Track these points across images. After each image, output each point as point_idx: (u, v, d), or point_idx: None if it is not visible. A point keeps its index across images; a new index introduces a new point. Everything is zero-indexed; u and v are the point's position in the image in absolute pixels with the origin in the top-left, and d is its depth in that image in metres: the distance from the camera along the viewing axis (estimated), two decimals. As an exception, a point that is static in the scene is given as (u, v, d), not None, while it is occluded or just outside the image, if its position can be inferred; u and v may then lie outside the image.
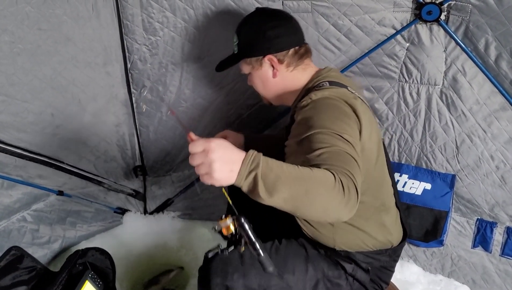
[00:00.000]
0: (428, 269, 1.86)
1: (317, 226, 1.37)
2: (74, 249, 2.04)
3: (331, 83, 1.30)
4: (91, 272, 1.70)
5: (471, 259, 1.77)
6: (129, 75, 1.80)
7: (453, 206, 1.76)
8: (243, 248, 0.99)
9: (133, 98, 1.88)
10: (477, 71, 1.53)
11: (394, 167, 1.81)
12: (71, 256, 1.81)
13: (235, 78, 1.83)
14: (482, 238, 1.73)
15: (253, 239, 0.97)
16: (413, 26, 1.55)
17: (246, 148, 1.38)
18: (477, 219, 1.73)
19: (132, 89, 1.85)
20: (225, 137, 1.53)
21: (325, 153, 0.97)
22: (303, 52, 1.40)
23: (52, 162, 1.83)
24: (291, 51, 1.37)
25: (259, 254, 0.98)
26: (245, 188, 0.88)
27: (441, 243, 1.80)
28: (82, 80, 1.70)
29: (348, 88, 1.29)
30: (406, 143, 1.77)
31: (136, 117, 1.95)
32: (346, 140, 1.03)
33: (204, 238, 2.36)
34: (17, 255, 1.63)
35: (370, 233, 1.34)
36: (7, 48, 1.44)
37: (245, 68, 1.43)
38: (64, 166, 1.88)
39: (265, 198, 0.87)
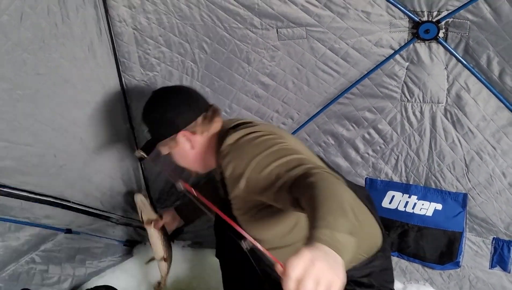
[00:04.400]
0: (446, 292, 1.80)
1: None
2: (84, 287, 2.03)
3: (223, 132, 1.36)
4: (101, 311, 1.69)
5: (489, 280, 1.70)
6: (130, 110, 1.80)
7: (467, 226, 1.70)
8: None
9: (135, 133, 1.88)
10: (481, 87, 1.50)
11: (402, 188, 1.77)
12: (80, 297, 1.80)
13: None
14: (499, 258, 1.67)
15: None
16: (411, 45, 1.53)
17: (181, 215, 1.91)
18: (493, 238, 1.67)
19: (133, 124, 1.85)
20: (162, 218, 1.85)
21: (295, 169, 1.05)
22: (211, 114, 1.42)
23: (58, 201, 1.83)
24: (200, 119, 1.40)
25: None
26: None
27: (457, 264, 1.73)
28: (82, 120, 1.71)
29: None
30: (413, 163, 1.73)
31: (139, 151, 1.94)
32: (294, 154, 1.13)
33: (216, 267, 2.33)
34: (27, 298, 1.63)
35: (361, 240, 1.29)
36: (6, 95, 1.45)
37: (164, 149, 1.46)
38: (70, 204, 1.88)
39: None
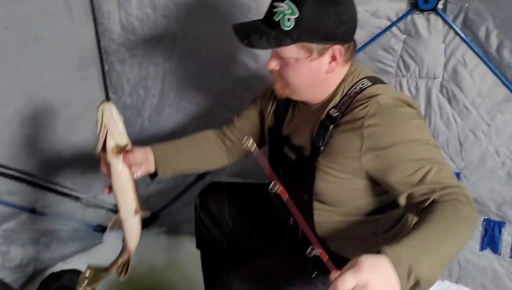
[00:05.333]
0: (435, 276, 1.76)
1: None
2: (49, 272, 1.86)
3: (372, 79, 1.11)
4: (68, 296, 1.54)
5: (479, 263, 1.67)
6: (107, 78, 1.67)
7: (458, 207, 1.66)
8: None
9: (112, 104, 1.74)
10: (478, 61, 1.46)
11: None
12: (45, 280, 1.65)
13: (224, 77, 1.71)
14: (490, 239, 1.64)
15: None
16: (409, 17, 1.47)
17: (156, 159, 1.25)
18: (484, 219, 1.64)
19: (110, 94, 1.72)
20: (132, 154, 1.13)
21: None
22: (353, 45, 1.13)
23: (23, 176, 1.67)
24: (352, 44, 1.11)
25: None
26: None
27: (447, 247, 1.69)
28: (55, 84, 1.56)
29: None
30: (405, 141, 1.68)
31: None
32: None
33: (193, 255, 2.22)
34: (-14, 281, 1.46)
35: None
36: (-32, 48, 1.31)
37: (293, 52, 1.04)
38: (36, 180, 1.72)
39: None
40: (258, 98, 1.38)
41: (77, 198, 1.93)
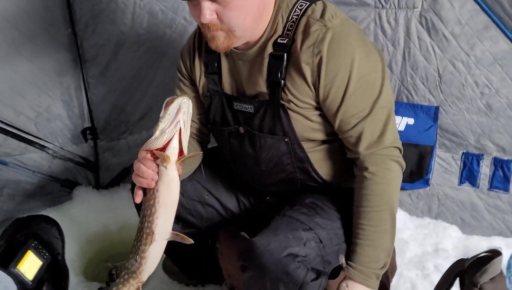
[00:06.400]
0: (415, 213, 1.76)
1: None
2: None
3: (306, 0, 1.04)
4: (35, 241, 1.43)
5: (458, 197, 1.68)
6: (72, 11, 1.56)
7: (437, 142, 1.66)
8: None
9: (78, 41, 1.63)
10: (458, -13, 1.45)
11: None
12: (9, 226, 1.53)
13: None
14: (468, 173, 1.64)
15: None
16: None
17: None
18: (463, 152, 1.64)
19: (77, 30, 1.61)
20: None
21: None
22: None
23: (-19, 118, 1.55)
24: None
25: None
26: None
27: (427, 182, 1.69)
28: (14, 14, 1.44)
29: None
30: (385, 77, 1.66)
31: (82, 65, 1.70)
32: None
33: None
34: None
35: None
36: None
37: None
38: (-4, 122, 1.60)
39: None
40: (182, 73, 1.23)
41: (42, 147, 1.81)
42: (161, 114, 0.86)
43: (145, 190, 0.92)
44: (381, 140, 0.99)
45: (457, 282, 1.05)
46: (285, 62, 0.99)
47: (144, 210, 0.93)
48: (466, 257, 1.04)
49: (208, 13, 0.92)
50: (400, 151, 1.04)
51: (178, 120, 0.85)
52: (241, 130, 1.10)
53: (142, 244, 0.92)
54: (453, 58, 1.54)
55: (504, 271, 1.35)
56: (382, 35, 1.60)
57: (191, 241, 0.95)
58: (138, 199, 0.93)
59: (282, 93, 1.01)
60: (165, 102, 0.86)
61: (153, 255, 0.94)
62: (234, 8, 0.93)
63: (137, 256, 0.94)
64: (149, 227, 0.91)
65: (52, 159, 1.90)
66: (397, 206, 1.03)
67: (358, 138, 0.99)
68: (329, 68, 0.95)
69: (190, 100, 0.88)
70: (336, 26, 0.96)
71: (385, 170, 1.00)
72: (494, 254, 0.93)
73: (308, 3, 1.01)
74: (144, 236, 0.92)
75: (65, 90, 1.73)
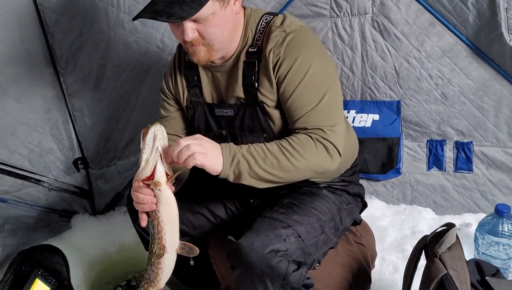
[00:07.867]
0: (391, 201, 1.88)
1: None
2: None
3: (270, 14, 1.21)
4: (41, 270, 1.52)
5: (428, 181, 1.80)
6: (52, 51, 1.67)
7: (403, 133, 1.79)
8: None
9: (61, 78, 1.74)
10: (401, -9, 1.59)
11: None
12: (14, 259, 1.61)
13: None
14: (435, 158, 1.77)
15: None
16: (334, -42, 1.58)
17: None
18: (427, 140, 1.77)
19: (58, 68, 1.72)
20: None
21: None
22: None
23: (-22, 160, 1.64)
24: None
25: None
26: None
27: (398, 171, 1.81)
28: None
29: None
30: (348, 79, 1.79)
31: (67, 100, 1.80)
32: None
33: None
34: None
35: (350, 149, 1.34)
36: None
37: (210, 7, 1.04)
38: (-8, 163, 1.70)
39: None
40: (165, 94, 1.34)
41: (38, 181, 1.90)
42: (141, 146, 0.97)
43: (148, 213, 1.04)
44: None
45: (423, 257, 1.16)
46: (256, 67, 1.15)
47: (152, 229, 1.05)
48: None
49: (191, 32, 1.07)
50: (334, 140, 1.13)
51: (156, 146, 0.97)
52: (224, 133, 1.25)
53: (157, 257, 1.06)
54: (406, 55, 1.68)
55: (472, 243, 1.48)
56: (340, 42, 1.73)
57: (197, 250, 1.08)
58: (144, 223, 1.05)
59: (258, 93, 1.16)
60: (141, 133, 0.97)
61: (168, 265, 1.09)
62: (213, 26, 1.07)
63: (154, 267, 1.09)
64: (160, 243, 1.05)
65: (48, 192, 1.99)
66: (306, 172, 1.10)
67: (304, 129, 1.12)
68: (285, 65, 1.11)
69: (162, 126, 0.98)
70: (293, 31, 1.13)
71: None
72: (449, 226, 1.05)
73: (272, 16, 1.18)
74: (157, 251, 1.05)
75: (54, 125, 1.83)
